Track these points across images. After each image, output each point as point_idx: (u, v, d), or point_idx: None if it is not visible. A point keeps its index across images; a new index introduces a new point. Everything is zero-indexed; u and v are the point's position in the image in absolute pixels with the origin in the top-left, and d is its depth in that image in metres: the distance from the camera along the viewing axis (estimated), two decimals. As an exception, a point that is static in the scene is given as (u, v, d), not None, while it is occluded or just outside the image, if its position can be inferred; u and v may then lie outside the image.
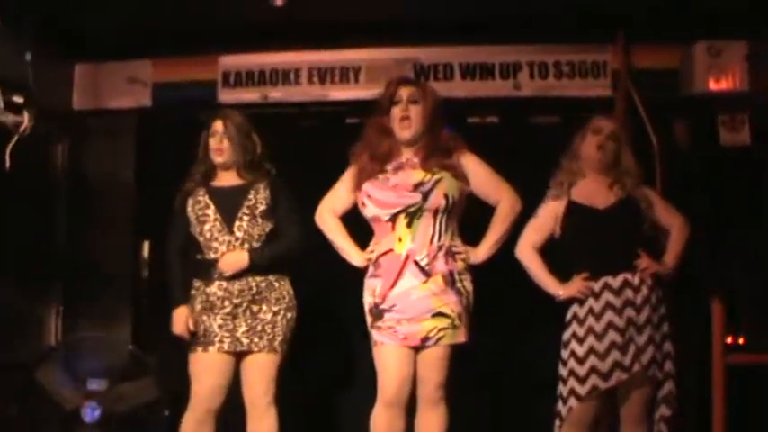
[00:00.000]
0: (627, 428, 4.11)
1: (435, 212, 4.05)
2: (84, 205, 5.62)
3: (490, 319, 4.31)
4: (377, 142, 4.18)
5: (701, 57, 5.23)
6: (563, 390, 4.11)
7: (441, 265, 4.04)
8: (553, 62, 5.46)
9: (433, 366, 4.03)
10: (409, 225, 4.06)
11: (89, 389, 4.80)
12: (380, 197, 4.10)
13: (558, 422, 4.12)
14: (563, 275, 4.18)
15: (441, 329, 4.01)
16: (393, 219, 4.08)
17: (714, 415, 4.23)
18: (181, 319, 4.29)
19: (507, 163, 5.18)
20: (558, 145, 4.95)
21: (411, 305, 4.02)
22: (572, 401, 4.06)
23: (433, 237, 4.06)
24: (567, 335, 4.15)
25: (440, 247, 4.06)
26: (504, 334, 5.12)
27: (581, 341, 4.08)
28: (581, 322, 4.10)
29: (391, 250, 4.09)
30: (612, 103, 5.27)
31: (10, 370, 4.90)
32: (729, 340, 4.69)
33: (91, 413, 4.74)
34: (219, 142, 4.33)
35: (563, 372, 4.12)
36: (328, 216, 4.31)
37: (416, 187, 4.06)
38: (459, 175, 4.13)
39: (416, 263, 4.03)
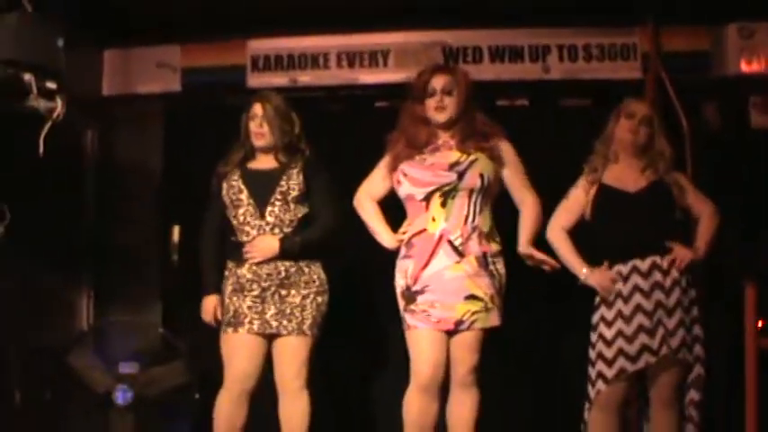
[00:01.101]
0: (657, 411, 4.11)
1: (470, 192, 4.05)
2: (113, 190, 5.65)
3: (521, 303, 4.31)
4: (413, 130, 4.18)
5: (733, 38, 5.18)
6: (592, 372, 4.12)
7: (474, 247, 4.03)
8: (583, 45, 5.42)
9: (466, 350, 4.04)
10: (443, 204, 4.06)
11: (120, 372, 4.84)
12: (416, 175, 4.10)
13: (587, 405, 4.13)
14: (591, 259, 4.18)
15: (474, 313, 4.00)
16: (427, 198, 4.08)
17: (747, 399, 4.21)
18: (209, 308, 4.34)
19: (536, 146, 5.20)
20: (587, 128, 4.93)
21: (444, 286, 4.01)
22: (600, 384, 4.07)
23: (467, 217, 4.06)
24: (595, 318, 4.16)
25: (474, 228, 4.05)
26: (534, 317, 5.11)
27: (609, 324, 4.09)
28: (609, 305, 4.10)
29: (425, 230, 4.08)
30: (642, 86, 5.24)
31: (42, 354, 4.94)
32: (760, 324, 4.66)
33: (122, 396, 4.79)
34: (260, 126, 4.35)
35: (592, 355, 4.13)
36: (366, 200, 4.32)
37: (452, 167, 4.06)
38: (496, 158, 4.13)
39: (450, 242, 4.03)
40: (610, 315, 4.09)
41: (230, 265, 4.37)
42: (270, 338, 4.31)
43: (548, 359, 5.20)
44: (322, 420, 4.42)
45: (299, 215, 4.33)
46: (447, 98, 4.13)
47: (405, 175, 4.14)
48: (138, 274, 5.55)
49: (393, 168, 4.20)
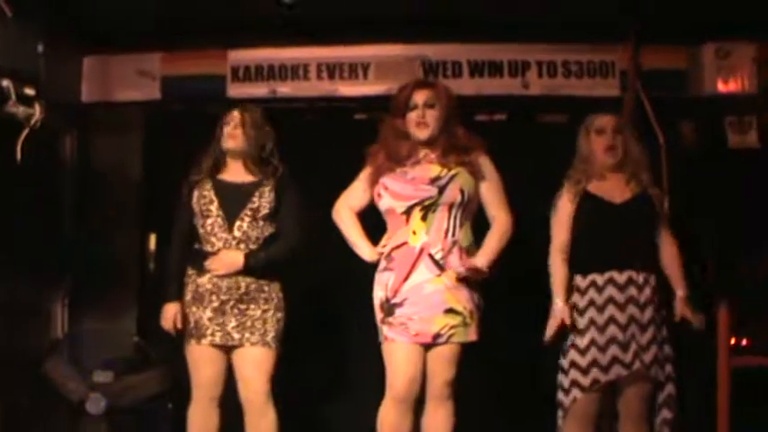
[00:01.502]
0: (627, 427, 4.14)
1: (450, 207, 4.07)
2: (91, 198, 5.62)
3: (499, 317, 4.32)
4: (395, 145, 4.20)
5: (710, 58, 5.25)
6: (564, 380, 4.16)
7: (454, 260, 4.04)
8: (562, 61, 5.46)
9: (442, 364, 4.05)
10: (424, 218, 4.07)
11: (95, 381, 4.81)
12: (397, 189, 4.12)
13: (560, 412, 4.16)
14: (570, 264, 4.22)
15: (452, 327, 4.02)
16: (408, 211, 4.09)
17: (719, 417, 4.23)
18: (169, 315, 4.34)
19: (514, 160, 5.22)
20: (565, 144, 4.96)
21: (423, 299, 4.03)
22: (575, 392, 4.10)
23: (447, 231, 4.07)
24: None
25: (454, 243, 4.06)
26: (507, 331, 5.12)
27: (582, 333, 4.12)
28: (581, 313, 4.14)
29: (405, 243, 4.09)
30: (620, 104, 5.26)
31: (17, 361, 4.91)
32: (733, 341, 4.69)
33: (96, 405, 4.76)
34: (233, 128, 4.38)
35: (564, 363, 4.16)
36: (345, 211, 4.32)
37: (433, 181, 4.07)
38: (476, 173, 4.14)
39: (431, 256, 4.05)
40: (582, 323, 4.12)
41: (191, 272, 4.38)
42: (230, 351, 4.33)
43: (525, 373, 5.21)
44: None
45: (266, 234, 4.36)
46: (429, 112, 4.15)
47: (386, 188, 4.15)
48: (113, 282, 5.52)
49: (374, 182, 4.20)
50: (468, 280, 4.06)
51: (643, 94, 5.25)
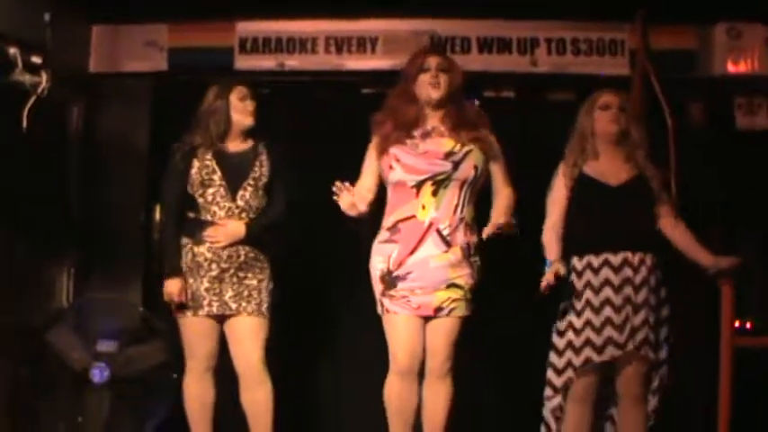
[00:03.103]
0: (625, 407, 4.16)
1: (462, 183, 4.07)
2: (97, 168, 5.62)
3: (492, 295, 4.33)
4: (402, 109, 4.18)
5: (721, 38, 5.23)
6: (557, 361, 4.18)
7: (460, 237, 4.05)
8: (571, 39, 5.43)
9: (443, 337, 4.06)
10: (435, 194, 4.06)
11: (99, 350, 4.81)
12: (410, 162, 4.09)
13: (549, 391, 4.21)
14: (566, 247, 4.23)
15: (453, 300, 4.03)
16: (419, 185, 4.07)
17: (721, 399, 4.23)
18: (174, 290, 4.36)
19: (521, 137, 5.23)
20: (572, 122, 4.95)
21: (428, 273, 4.03)
22: (569, 372, 4.13)
23: (456, 207, 4.07)
24: (563, 305, 4.21)
25: (461, 219, 4.07)
26: (511, 310, 5.13)
27: (579, 314, 4.14)
28: (578, 295, 4.15)
29: (413, 216, 4.08)
30: (629, 82, 5.24)
31: (21, 331, 4.92)
32: (737, 324, 4.69)
33: (100, 374, 4.76)
34: (249, 104, 4.45)
35: (558, 342, 4.19)
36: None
37: (448, 156, 4.07)
38: (487, 150, 4.15)
39: (438, 232, 4.04)
40: (579, 304, 4.14)
41: (186, 241, 4.39)
42: (223, 320, 4.37)
43: (522, 352, 5.22)
44: (288, 407, 4.49)
45: (263, 203, 4.41)
46: (442, 75, 4.15)
47: (397, 160, 4.11)
48: (119, 252, 5.53)
49: (383, 151, 4.16)
50: (500, 235, 3.99)
51: (652, 73, 5.21)
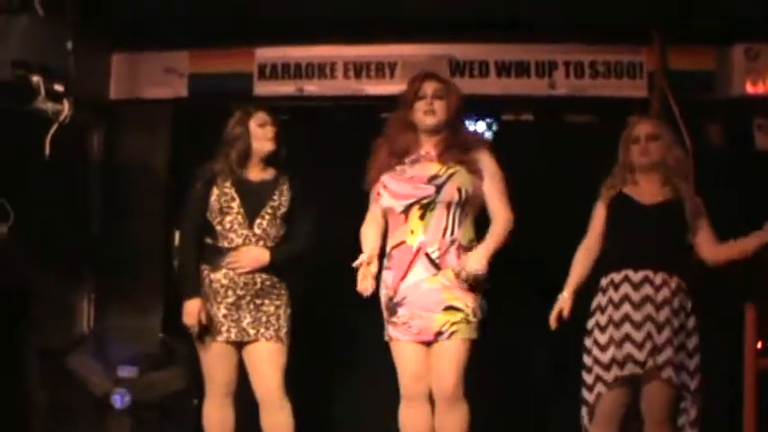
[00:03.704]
0: (649, 426, 4.10)
1: (448, 206, 4.04)
2: (118, 194, 5.66)
3: (506, 316, 4.32)
4: (397, 137, 4.19)
5: (739, 59, 5.20)
6: (587, 378, 4.16)
7: (452, 260, 4.02)
8: (589, 62, 5.43)
9: (447, 362, 4.01)
10: (422, 217, 4.05)
11: (119, 376, 4.84)
12: (395, 188, 4.11)
13: (585, 409, 4.17)
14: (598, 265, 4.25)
15: (453, 323, 3.99)
16: (406, 210, 4.08)
17: (745, 420, 4.20)
18: (194, 311, 4.33)
19: (540, 160, 5.23)
20: (591, 144, 4.96)
21: (421, 297, 4.02)
22: (600, 387, 4.11)
23: (445, 230, 4.05)
24: (590, 324, 4.20)
25: (452, 242, 4.04)
26: (525, 329, 5.11)
27: (603, 330, 4.14)
28: (603, 311, 4.15)
29: (403, 242, 4.08)
30: (647, 105, 5.24)
31: (42, 356, 4.94)
32: (759, 345, 4.66)
33: (121, 400, 4.78)
34: (271, 131, 4.43)
35: (587, 360, 4.18)
36: (364, 229, 4.28)
37: (431, 180, 4.05)
38: (476, 171, 4.10)
39: (427, 255, 4.03)
40: (603, 320, 4.14)
41: (203, 267, 4.39)
42: (241, 346, 4.37)
43: (540, 371, 5.23)
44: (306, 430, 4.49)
45: (282, 232, 4.41)
46: (437, 102, 4.13)
47: (385, 187, 4.14)
48: (139, 278, 5.55)
49: (375, 179, 4.20)
50: (469, 282, 4.01)
51: (671, 95, 5.21)
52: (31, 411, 4.86)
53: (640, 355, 4.01)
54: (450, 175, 4.05)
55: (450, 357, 4.00)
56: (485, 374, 4.65)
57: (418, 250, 4.04)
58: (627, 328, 4.06)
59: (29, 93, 3.89)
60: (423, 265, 4.03)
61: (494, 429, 5.02)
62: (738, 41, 5.21)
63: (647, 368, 4.00)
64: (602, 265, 4.24)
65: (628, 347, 4.03)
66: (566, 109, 5.52)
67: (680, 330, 4.07)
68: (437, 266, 4.02)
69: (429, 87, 4.17)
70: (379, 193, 4.17)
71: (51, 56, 3.92)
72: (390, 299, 4.10)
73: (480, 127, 5.48)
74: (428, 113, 4.12)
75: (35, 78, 3.88)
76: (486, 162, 4.14)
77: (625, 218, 4.21)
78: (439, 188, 4.03)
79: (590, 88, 5.43)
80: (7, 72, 3.79)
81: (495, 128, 5.49)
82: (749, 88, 5.18)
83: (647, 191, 4.23)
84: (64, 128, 4.18)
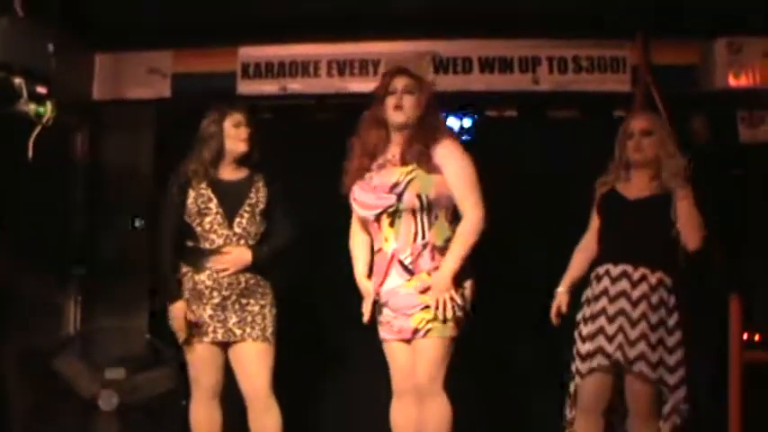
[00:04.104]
0: (632, 424, 4.13)
1: (413, 212, 4.00)
2: (103, 195, 5.65)
3: (490, 312, 4.32)
4: (367, 135, 4.16)
5: (722, 53, 5.22)
6: (572, 368, 4.21)
7: (425, 263, 3.99)
8: (572, 57, 5.44)
9: (422, 358, 4.01)
10: (391, 224, 4.03)
11: (106, 378, 4.84)
12: (363, 199, 4.09)
13: (568, 401, 4.22)
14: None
15: (428, 321, 3.97)
16: (377, 219, 4.06)
17: (731, 412, 4.22)
18: (180, 314, 4.31)
19: (524, 156, 5.23)
20: (575, 139, 4.97)
21: (399, 300, 4.02)
22: (577, 378, 4.16)
23: (416, 235, 4.00)
24: (578, 316, 4.23)
25: (424, 245, 4.00)
26: (505, 327, 5.13)
27: (586, 322, 4.17)
28: (588, 303, 4.19)
29: (381, 249, 4.09)
30: (631, 99, 5.26)
31: (28, 358, 4.93)
32: (745, 337, 4.68)
33: (108, 402, 4.78)
34: (245, 132, 4.39)
35: (574, 351, 4.21)
36: (353, 239, 4.30)
37: (392, 188, 3.99)
38: (434, 169, 4.00)
39: (401, 262, 4.01)
40: (588, 313, 4.18)
41: (186, 269, 4.37)
42: (227, 347, 4.36)
43: (525, 367, 5.24)
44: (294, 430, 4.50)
45: (262, 229, 4.39)
46: (407, 97, 4.07)
47: (354, 198, 4.13)
48: (125, 280, 5.54)
49: (348, 188, 4.16)
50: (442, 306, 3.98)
51: (654, 89, 5.22)
52: (12, 413, 4.84)
53: (609, 348, 4.04)
54: (409, 182, 3.98)
55: (426, 354, 4.00)
56: (473, 370, 4.70)
57: (392, 257, 4.03)
58: (601, 321, 4.09)
59: (11, 95, 3.87)
60: (397, 272, 4.02)
61: (481, 426, 5.05)
62: (721, 35, 5.23)
63: (613, 359, 4.02)
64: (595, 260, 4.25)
65: (599, 340, 4.07)
66: (549, 104, 5.52)
67: (658, 326, 4.04)
68: (410, 272, 4.00)
69: (399, 82, 4.11)
70: (351, 204, 4.16)
71: (33, 57, 3.90)
72: (376, 301, 4.12)
73: (463, 123, 5.49)
74: (397, 109, 4.07)
75: (17, 80, 3.86)
76: (446, 157, 4.03)
77: (611, 213, 4.23)
78: (399, 196, 3.98)
79: (574, 83, 5.44)
80: (-12, 75, 3.77)
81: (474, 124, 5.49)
82: (732, 81, 5.21)
83: (635, 186, 4.22)
84: (47, 129, 4.16)
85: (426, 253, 4.00)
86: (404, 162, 4.04)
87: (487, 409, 5.15)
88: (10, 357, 4.84)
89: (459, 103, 5.45)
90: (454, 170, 4.01)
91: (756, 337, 5.02)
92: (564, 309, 4.24)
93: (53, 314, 5.44)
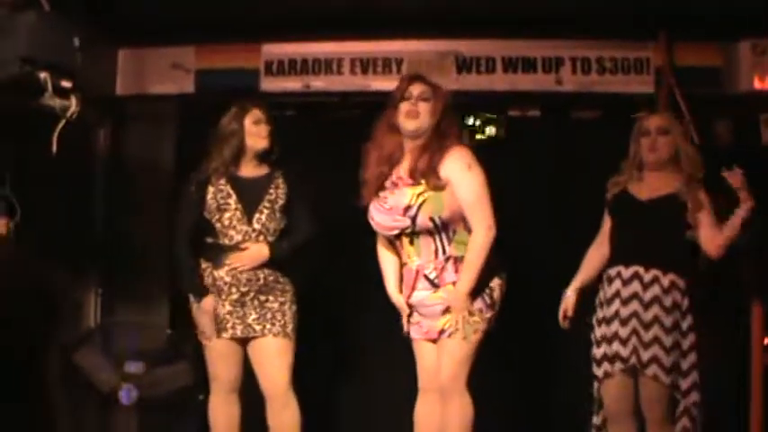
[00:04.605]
0: (648, 428, 4.10)
1: (429, 232, 4.01)
2: (124, 190, 5.66)
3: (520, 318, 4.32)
4: (382, 141, 4.14)
5: (746, 55, 5.20)
6: (593, 371, 4.20)
7: (450, 276, 4.00)
8: (596, 58, 5.41)
9: (446, 357, 4.03)
10: (411, 243, 4.05)
11: (126, 371, 4.85)
12: (379, 220, 4.09)
13: (595, 406, 4.22)
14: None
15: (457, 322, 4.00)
16: (398, 237, 4.08)
17: (752, 416, 4.20)
18: (210, 309, 4.34)
19: (547, 156, 5.22)
20: (598, 140, 4.94)
21: (427, 309, 4.07)
22: (595, 383, 4.17)
23: (437, 251, 4.02)
24: (593, 318, 4.23)
25: (447, 259, 4.01)
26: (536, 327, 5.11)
27: (599, 324, 4.17)
28: (601, 306, 4.18)
29: (406, 263, 4.12)
30: (655, 101, 5.24)
31: (49, 352, 4.95)
32: (766, 341, 4.65)
33: (127, 395, 4.79)
34: (263, 128, 4.40)
35: (591, 354, 4.21)
36: (380, 250, 4.30)
37: (406, 211, 3.98)
38: (443, 186, 3.97)
39: (426, 276, 4.04)
40: (600, 315, 4.18)
41: (205, 265, 4.39)
42: (246, 342, 4.38)
43: (549, 369, 5.22)
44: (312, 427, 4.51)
45: (282, 225, 4.40)
46: (422, 104, 4.05)
47: (372, 218, 4.12)
48: (146, 274, 5.56)
49: (367, 201, 4.13)
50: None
51: (678, 91, 5.20)
52: (53, 411, 4.87)
53: (625, 352, 4.02)
54: (421, 205, 3.96)
55: (450, 354, 4.02)
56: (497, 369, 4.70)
57: (417, 272, 4.06)
58: (615, 325, 4.07)
59: (36, 89, 3.88)
60: (423, 286, 4.05)
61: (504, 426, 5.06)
62: (745, 37, 5.20)
63: (630, 364, 4.00)
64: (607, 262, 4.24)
65: (615, 345, 4.05)
66: (572, 105, 5.51)
67: (672, 329, 4.02)
68: (436, 285, 4.03)
69: (415, 89, 4.09)
70: (370, 222, 4.15)
71: (58, 52, 3.90)
72: (407, 304, 4.16)
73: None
74: (410, 115, 4.04)
75: (42, 75, 3.87)
76: (454, 171, 3.99)
77: (622, 214, 4.21)
78: (413, 219, 3.98)
79: (597, 84, 5.42)
80: (15, 68, 3.77)
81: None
82: (756, 84, 5.18)
83: (647, 187, 4.19)
84: (71, 124, 4.17)
85: (450, 266, 4.01)
86: (413, 180, 4.02)
87: (510, 408, 5.15)
88: (31, 351, 4.85)
89: (482, 103, 5.43)
90: (461, 185, 3.98)
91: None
92: (570, 312, 4.24)
93: (74, 309, 5.46)
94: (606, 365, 4.09)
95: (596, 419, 4.21)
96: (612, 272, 4.14)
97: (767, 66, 5.18)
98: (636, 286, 4.05)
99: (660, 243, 4.10)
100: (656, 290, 4.03)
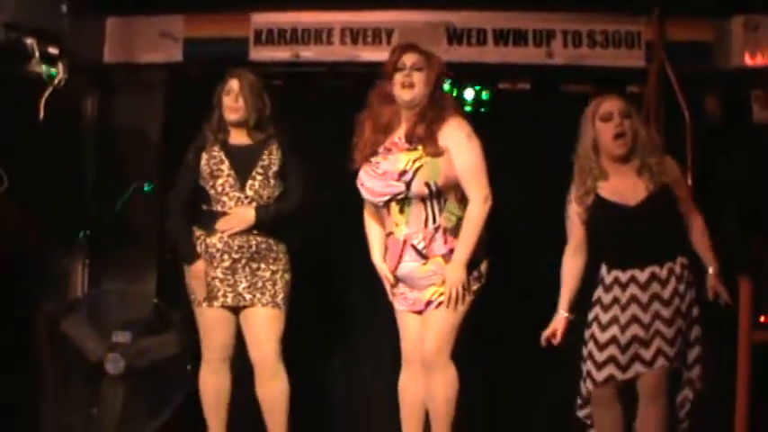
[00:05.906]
0: (643, 405, 4.06)
1: (422, 199, 4.01)
2: (112, 158, 5.63)
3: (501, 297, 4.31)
4: (379, 111, 4.15)
5: (738, 31, 5.18)
6: (583, 368, 4.10)
7: (439, 247, 4.02)
8: (587, 31, 5.38)
9: (431, 327, 4.06)
10: (401, 211, 4.05)
11: (113, 341, 4.83)
12: (370, 185, 4.09)
13: (579, 400, 4.17)
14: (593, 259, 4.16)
15: (441, 293, 4.02)
16: (386, 205, 4.08)
17: (738, 393, 4.20)
18: (200, 273, 4.36)
19: (536, 130, 5.21)
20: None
21: (414, 282, 4.08)
22: (589, 384, 4.07)
23: (427, 219, 4.03)
24: (590, 316, 4.11)
25: (436, 229, 4.02)
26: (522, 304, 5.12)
27: (604, 328, 4.02)
28: (605, 309, 4.04)
29: (392, 233, 4.11)
30: (645, 75, 5.22)
31: (36, 321, 4.94)
32: (763, 319, 4.65)
33: (114, 365, 4.78)
34: (234, 101, 4.39)
35: (584, 351, 4.10)
36: (367, 220, 4.32)
37: (401, 176, 3.99)
38: (440, 152, 3.99)
39: (413, 246, 4.03)
40: (605, 318, 4.03)
41: (199, 233, 4.40)
42: (238, 311, 4.38)
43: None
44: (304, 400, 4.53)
45: (276, 192, 4.39)
46: (416, 74, 4.06)
47: (362, 184, 4.12)
48: (134, 243, 5.54)
49: (359, 165, 4.15)
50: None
51: (669, 65, 5.18)
52: (40, 380, 4.87)
53: (648, 355, 3.95)
54: (417, 170, 3.97)
55: (435, 325, 4.05)
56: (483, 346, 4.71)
57: (405, 242, 4.05)
58: (635, 329, 3.95)
59: (23, 55, 3.86)
60: (411, 257, 4.05)
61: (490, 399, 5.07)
62: (737, 13, 5.18)
63: (656, 366, 3.93)
64: (599, 257, 4.14)
65: (635, 348, 3.96)
66: (563, 78, 5.48)
67: (685, 313, 3.99)
68: (424, 256, 4.03)
69: (408, 59, 4.10)
70: (359, 189, 4.15)
71: (45, 18, 3.89)
72: (393, 275, 4.15)
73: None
74: (406, 86, 4.05)
75: (29, 41, 3.85)
76: (452, 139, 4.02)
77: (614, 225, 4.02)
78: (408, 184, 3.98)
79: (587, 58, 5.38)
80: (0, 35, 3.74)
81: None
82: (748, 60, 5.16)
83: (625, 187, 3.99)
84: (58, 91, 4.15)
85: (439, 237, 4.01)
86: (409, 145, 4.02)
87: (499, 381, 5.18)
88: (19, 320, 4.84)
89: (473, 74, 5.40)
90: (459, 154, 4.00)
91: (762, 319, 4.99)
92: (559, 336, 4.10)
93: (61, 277, 5.44)
94: (612, 368, 3.98)
95: (581, 412, 4.18)
96: (624, 276, 3.99)
97: (759, 42, 5.16)
98: (655, 287, 3.95)
99: (665, 238, 4.01)
100: (673, 283, 3.96)
